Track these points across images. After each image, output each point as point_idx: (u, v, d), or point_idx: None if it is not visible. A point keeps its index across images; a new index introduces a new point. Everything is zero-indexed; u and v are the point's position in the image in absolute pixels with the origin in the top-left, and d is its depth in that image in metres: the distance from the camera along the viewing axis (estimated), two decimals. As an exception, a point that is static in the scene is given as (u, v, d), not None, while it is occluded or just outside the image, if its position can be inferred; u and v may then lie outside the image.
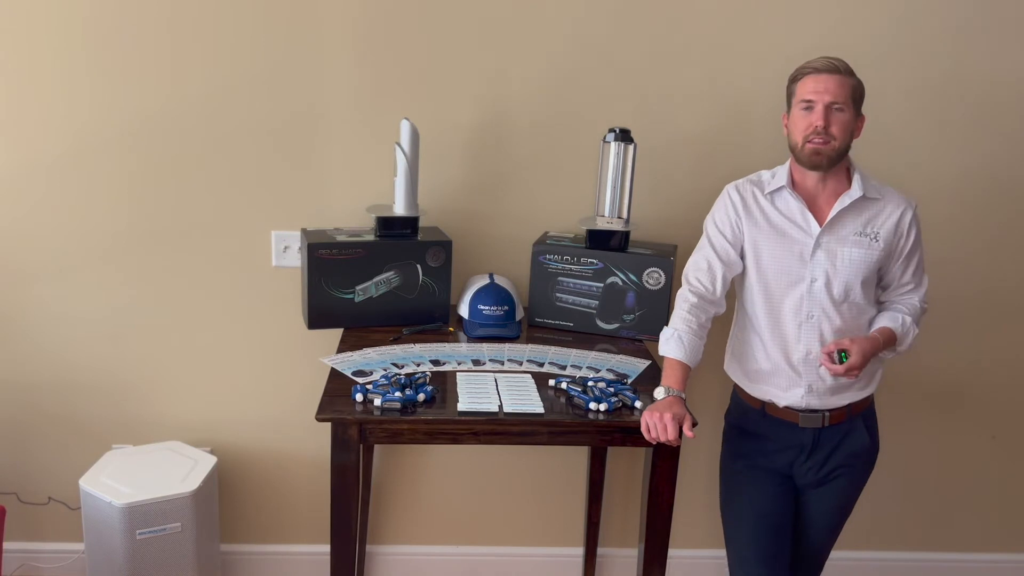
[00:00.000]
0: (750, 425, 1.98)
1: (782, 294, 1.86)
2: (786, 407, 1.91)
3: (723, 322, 2.01)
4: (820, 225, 1.84)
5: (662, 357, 1.86)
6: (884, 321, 1.89)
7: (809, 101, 1.77)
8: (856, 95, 1.78)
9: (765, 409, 1.94)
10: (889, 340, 1.86)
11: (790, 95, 1.83)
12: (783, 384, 1.90)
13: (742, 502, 1.97)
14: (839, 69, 1.76)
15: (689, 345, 1.83)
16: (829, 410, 1.90)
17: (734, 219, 1.89)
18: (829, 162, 1.79)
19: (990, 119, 2.36)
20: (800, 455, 1.93)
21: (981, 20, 2.29)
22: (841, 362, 1.78)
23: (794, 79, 1.82)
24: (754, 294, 1.90)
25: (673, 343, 1.83)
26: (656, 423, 1.69)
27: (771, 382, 1.91)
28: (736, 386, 2.02)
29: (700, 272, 1.91)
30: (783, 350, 1.88)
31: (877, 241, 1.84)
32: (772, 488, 1.95)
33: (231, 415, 2.46)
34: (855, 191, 1.83)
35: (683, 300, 1.89)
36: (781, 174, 1.88)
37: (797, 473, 1.95)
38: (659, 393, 1.77)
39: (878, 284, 1.93)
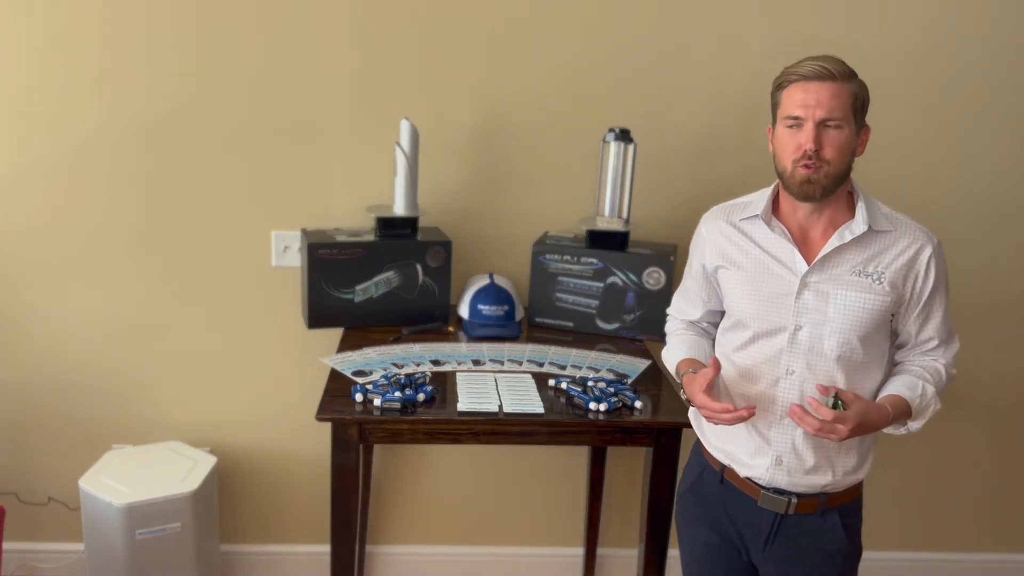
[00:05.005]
0: (706, 490, 1.66)
1: (757, 343, 1.54)
2: (747, 478, 1.57)
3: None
4: (809, 263, 1.49)
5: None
6: (898, 387, 1.52)
7: (796, 118, 1.42)
8: (857, 103, 1.43)
9: (724, 474, 1.62)
10: (901, 413, 1.49)
11: (775, 105, 1.48)
12: (747, 449, 1.57)
13: None
14: (833, 75, 1.40)
15: (686, 342, 1.68)
16: (798, 494, 1.54)
17: (704, 260, 1.64)
18: (823, 192, 1.44)
19: (994, 120, 2.36)
20: (756, 540, 1.59)
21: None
22: (835, 407, 1.42)
23: (779, 86, 1.47)
24: (725, 339, 1.62)
25: (671, 350, 1.70)
26: (715, 416, 1.48)
27: (734, 443, 1.59)
28: (698, 440, 1.70)
29: (683, 314, 1.75)
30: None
31: (881, 283, 1.47)
32: (736, 568, 1.65)
33: (231, 415, 2.46)
34: (859, 224, 1.47)
35: (672, 329, 1.77)
36: (760, 200, 1.55)
37: (756, 561, 1.62)
38: (682, 395, 1.61)
39: (894, 342, 1.59)
